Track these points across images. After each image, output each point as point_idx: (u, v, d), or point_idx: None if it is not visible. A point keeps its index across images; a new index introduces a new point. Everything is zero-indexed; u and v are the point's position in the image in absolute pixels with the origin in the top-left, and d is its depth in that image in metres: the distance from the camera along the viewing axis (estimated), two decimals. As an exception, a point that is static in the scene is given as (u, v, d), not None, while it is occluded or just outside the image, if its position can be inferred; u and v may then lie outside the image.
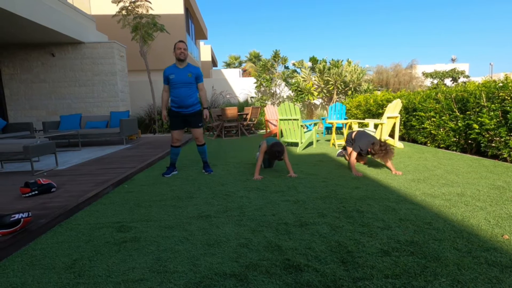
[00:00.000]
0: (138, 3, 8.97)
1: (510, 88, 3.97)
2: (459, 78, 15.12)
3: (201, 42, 21.40)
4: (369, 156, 4.10)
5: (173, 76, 3.61)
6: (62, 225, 2.34)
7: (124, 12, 8.94)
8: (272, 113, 8.45)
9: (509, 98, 3.94)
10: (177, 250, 1.85)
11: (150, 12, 9.22)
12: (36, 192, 2.98)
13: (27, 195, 2.95)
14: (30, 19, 5.87)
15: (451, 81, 15.30)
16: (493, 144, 4.16)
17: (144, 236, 2.07)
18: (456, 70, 15.21)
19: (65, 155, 5.79)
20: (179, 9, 12.17)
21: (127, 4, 8.94)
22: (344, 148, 4.74)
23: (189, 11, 14.33)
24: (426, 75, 15.60)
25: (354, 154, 3.81)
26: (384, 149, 3.48)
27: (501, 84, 4.21)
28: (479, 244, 1.79)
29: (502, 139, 3.98)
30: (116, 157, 5.34)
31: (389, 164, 3.67)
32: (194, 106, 3.80)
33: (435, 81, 15.14)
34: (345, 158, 4.52)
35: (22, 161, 5.15)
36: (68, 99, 8.41)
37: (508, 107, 3.86)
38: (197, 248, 1.88)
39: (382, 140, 5.06)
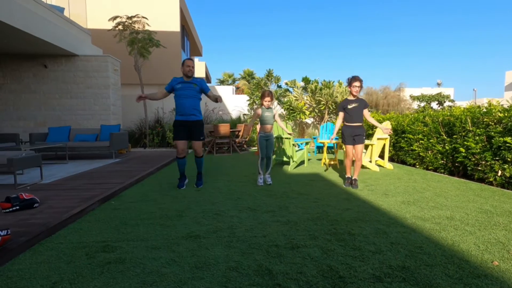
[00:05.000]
0: (135, 19, 9.10)
1: (493, 114, 4.13)
2: (444, 102, 15.66)
3: (196, 59, 21.70)
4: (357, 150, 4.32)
5: (180, 86, 3.82)
6: (42, 244, 2.23)
7: (120, 27, 9.05)
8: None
9: (493, 123, 4.09)
10: (164, 273, 1.78)
11: (147, 28, 9.36)
12: (18, 207, 2.86)
13: (7, 210, 2.82)
14: (26, 31, 5.85)
15: (437, 104, 15.83)
16: (479, 168, 4.26)
17: (130, 257, 1.99)
18: (442, 94, 15.78)
19: (51, 168, 5.62)
20: (175, 27, 12.40)
21: (124, 20, 9.06)
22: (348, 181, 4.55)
23: (185, 29, 14.62)
24: (413, 98, 16.12)
25: (341, 116, 4.30)
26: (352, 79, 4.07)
27: (485, 110, 4.37)
28: (470, 270, 1.78)
29: (488, 163, 4.09)
30: (104, 171, 5.22)
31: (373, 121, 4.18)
32: (197, 115, 3.98)
33: (422, 104, 15.64)
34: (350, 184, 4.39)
35: (5, 174, 4.97)
36: (58, 111, 8.28)
37: (493, 132, 3.99)
38: (185, 271, 1.81)
39: (373, 160, 5.19)
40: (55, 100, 8.25)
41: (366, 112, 4.17)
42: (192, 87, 3.86)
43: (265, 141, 4.30)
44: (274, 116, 4.31)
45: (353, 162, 4.25)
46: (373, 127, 7.42)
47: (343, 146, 4.44)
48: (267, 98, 4.17)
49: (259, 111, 4.23)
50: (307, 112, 11.47)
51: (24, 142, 7.47)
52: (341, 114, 4.27)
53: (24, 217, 2.68)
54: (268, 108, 4.24)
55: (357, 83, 4.06)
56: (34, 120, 8.25)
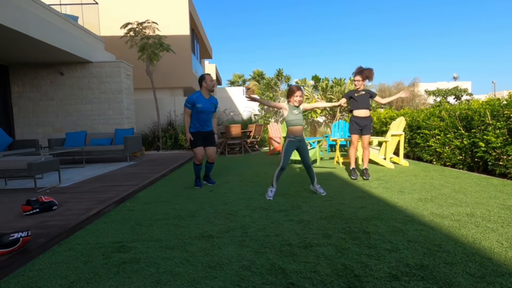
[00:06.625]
0: (145, 24, 9.27)
1: (515, 106, 3.95)
2: (462, 96, 15.16)
3: (206, 61, 21.89)
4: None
5: (201, 105, 4.15)
6: (61, 245, 2.29)
7: (131, 33, 9.24)
8: (275, 130, 8.47)
9: (514, 116, 3.91)
10: (178, 273, 1.79)
11: (157, 33, 9.52)
12: (37, 210, 2.95)
13: (28, 213, 2.92)
14: (43, 40, 6.06)
15: (454, 99, 15.34)
16: (500, 163, 4.09)
17: (144, 257, 2.02)
18: (459, 88, 15.28)
19: (68, 172, 5.80)
20: (185, 30, 12.55)
21: (134, 26, 9.25)
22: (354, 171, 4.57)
23: (195, 32, 14.77)
24: (428, 93, 15.68)
25: (341, 101, 4.49)
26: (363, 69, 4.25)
27: (505, 102, 4.19)
28: (493, 268, 1.71)
29: (510, 157, 3.91)
30: (119, 174, 5.33)
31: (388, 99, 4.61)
32: (210, 126, 4.35)
33: (438, 99, 15.18)
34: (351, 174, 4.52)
35: (26, 178, 5.16)
36: (74, 116, 8.54)
37: (514, 125, 3.82)
38: (198, 270, 1.82)
39: (387, 157, 5.19)
40: (71, 106, 8.52)
41: (378, 98, 4.47)
42: (211, 105, 4.24)
43: (293, 147, 3.47)
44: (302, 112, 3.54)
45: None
46: (386, 124, 7.25)
47: None
48: (298, 93, 3.34)
49: (285, 106, 3.48)
50: (318, 111, 11.35)
51: (43, 148, 7.73)
52: (342, 100, 4.53)
53: (43, 219, 2.76)
54: (297, 106, 3.45)
55: (356, 77, 4.36)
56: (52, 126, 8.53)
